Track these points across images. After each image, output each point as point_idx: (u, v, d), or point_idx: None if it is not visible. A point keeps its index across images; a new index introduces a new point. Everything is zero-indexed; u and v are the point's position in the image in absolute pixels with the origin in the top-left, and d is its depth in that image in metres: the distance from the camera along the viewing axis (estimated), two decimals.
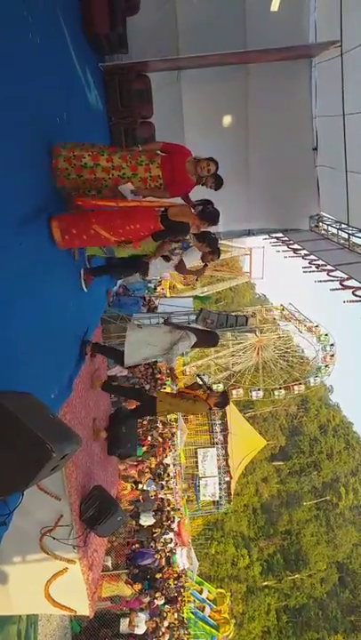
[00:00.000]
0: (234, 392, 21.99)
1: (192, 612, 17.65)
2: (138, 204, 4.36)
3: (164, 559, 13.81)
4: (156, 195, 4.51)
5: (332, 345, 20.60)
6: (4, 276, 2.95)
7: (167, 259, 5.30)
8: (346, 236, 8.48)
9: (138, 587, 11.01)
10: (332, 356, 20.75)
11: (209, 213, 4.81)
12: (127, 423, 6.23)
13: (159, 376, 16.45)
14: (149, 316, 12.48)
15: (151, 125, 8.15)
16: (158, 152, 4.43)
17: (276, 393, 21.18)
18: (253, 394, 21.58)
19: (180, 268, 5.48)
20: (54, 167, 4.07)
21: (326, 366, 21.06)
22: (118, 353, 5.44)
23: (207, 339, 5.38)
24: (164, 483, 16.15)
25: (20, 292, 3.21)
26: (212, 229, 5.20)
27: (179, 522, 17.87)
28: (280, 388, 21.07)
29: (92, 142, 4.34)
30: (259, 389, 21.36)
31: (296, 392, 21.54)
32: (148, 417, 14.34)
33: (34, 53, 3.93)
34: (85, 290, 5.14)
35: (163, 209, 4.42)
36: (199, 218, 4.69)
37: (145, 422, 15.39)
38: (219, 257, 5.73)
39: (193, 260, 5.47)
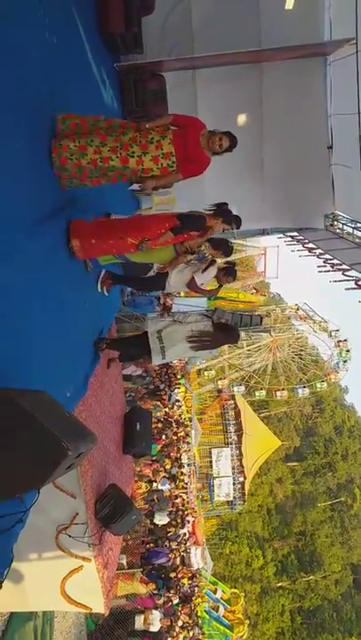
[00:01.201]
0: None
1: (206, 612, 17.61)
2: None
3: (178, 558, 13.83)
4: (170, 179, 4.20)
5: (345, 362, 20.73)
6: (20, 276, 2.97)
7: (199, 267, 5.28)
8: None
9: (152, 586, 11.03)
10: (337, 372, 20.99)
11: (224, 210, 4.75)
12: (142, 421, 6.25)
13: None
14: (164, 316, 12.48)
15: None
16: (170, 127, 4.07)
17: (257, 393, 21.69)
18: (235, 389, 23.11)
19: (191, 285, 5.38)
20: (56, 149, 3.81)
21: (323, 382, 21.35)
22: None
23: (227, 336, 4.96)
24: (177, 482, 16.17)
25: (36, 292, 3.23)
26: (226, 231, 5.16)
27: (193, 521, 17.87)
28: (261, 389, 21.59)
29: (97, 116, 4.13)
30: (240, 385, 22.61)
31: (279, 397, 22.14)
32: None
33: (50, 54, 3.96)
34: (99, 291, 5.16)
35: None
36: (214, 215, 4.66)
37: (159, 424, 15.40)
38: (235, 279, 5.64)
39: (206, 279, 5.41)
